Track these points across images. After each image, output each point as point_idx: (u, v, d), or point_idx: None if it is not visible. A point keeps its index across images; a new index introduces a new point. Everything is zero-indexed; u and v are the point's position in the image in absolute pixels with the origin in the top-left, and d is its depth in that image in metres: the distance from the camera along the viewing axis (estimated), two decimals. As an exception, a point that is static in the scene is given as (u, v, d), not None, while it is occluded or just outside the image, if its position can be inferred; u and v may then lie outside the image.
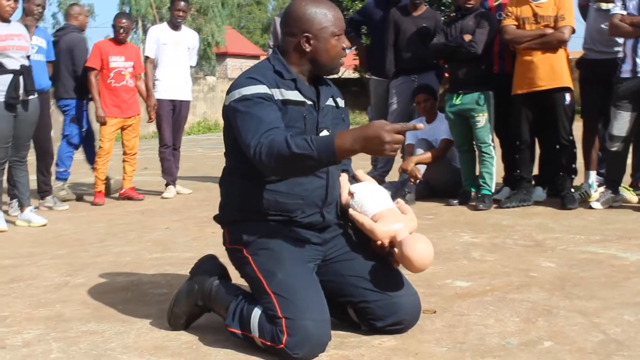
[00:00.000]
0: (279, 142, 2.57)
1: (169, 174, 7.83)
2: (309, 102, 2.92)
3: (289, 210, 2.87)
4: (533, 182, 6.47)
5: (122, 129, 7.51)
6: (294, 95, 2.87)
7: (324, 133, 2.89)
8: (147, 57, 7.71)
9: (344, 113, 3.12)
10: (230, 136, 2.87)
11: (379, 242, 2.88)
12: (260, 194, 2.85)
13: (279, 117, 2.75)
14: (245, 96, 2.77)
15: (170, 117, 7.77)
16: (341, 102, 3.15)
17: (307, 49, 2.90)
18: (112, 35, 7.60)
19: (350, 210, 2.98)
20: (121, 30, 7.38)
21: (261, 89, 2.78)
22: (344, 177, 3.11)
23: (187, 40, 7.92)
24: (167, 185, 7.84)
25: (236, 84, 2.85)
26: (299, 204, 2.87)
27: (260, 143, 2.62)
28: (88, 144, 7.88)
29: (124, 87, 7.41)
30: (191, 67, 8.10)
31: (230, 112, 2.83)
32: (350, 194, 3.02)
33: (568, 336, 2.86)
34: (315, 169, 2.66)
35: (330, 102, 3.05)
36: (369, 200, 2.97)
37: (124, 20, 7.42)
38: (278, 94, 2.82)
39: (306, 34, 2.88)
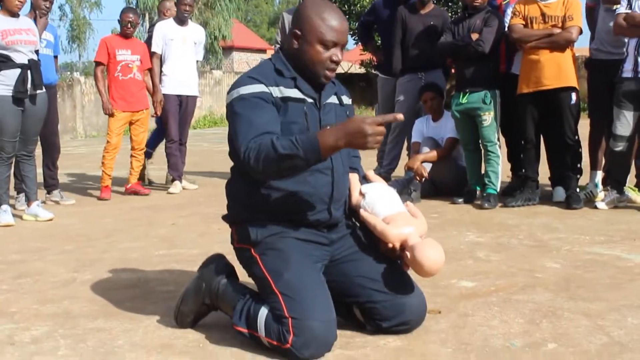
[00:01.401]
0: (265, 145, 2.61)
1: (175, 170, 7.86)
2: (310, 100, 2.93)
3: (296, 208, 2.88)
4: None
5: (130, 123, 7.55)
6: (293, 93, 2.89)
7: None
8: (154, 53, 7.73)
9: (349, 110, 3.13)
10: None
11: (390, 245, 2.89)
12: (266, 194, 2.86)
13: (273, 119, 2.78)
14: (242, 95, 2.81)
15: (177, 113, 7.81)
16: (346, 100, 3.15)
17: (295, 46, 2.92)
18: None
19: (362, 211, 2.98)
20: (128, 25, 7.41)
21: (258, 87, 2.82)
22: (354, 177, 3.11)
23: (194, 35, 7.95)
24: (173, 180, 7.88)
25: (236, 83, 2.88)
26: (305, 202, 2.88)
27: (249, 148, 2.66)
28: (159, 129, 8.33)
29: (131, 79, 7.44)
30: (197, 61, 8.13)
31: (228, 111, 2.87)
32: (362, 194, 3.03)
33: (572, 338, 2.87)
34: (303, 168, 2.68)
35: (333, 99, 3.06)
36: (381, 202, 2.96)
37: (130, 15, 7.45)
38: (277, 91, 2.85)
39: (297, 31, 2.90)
